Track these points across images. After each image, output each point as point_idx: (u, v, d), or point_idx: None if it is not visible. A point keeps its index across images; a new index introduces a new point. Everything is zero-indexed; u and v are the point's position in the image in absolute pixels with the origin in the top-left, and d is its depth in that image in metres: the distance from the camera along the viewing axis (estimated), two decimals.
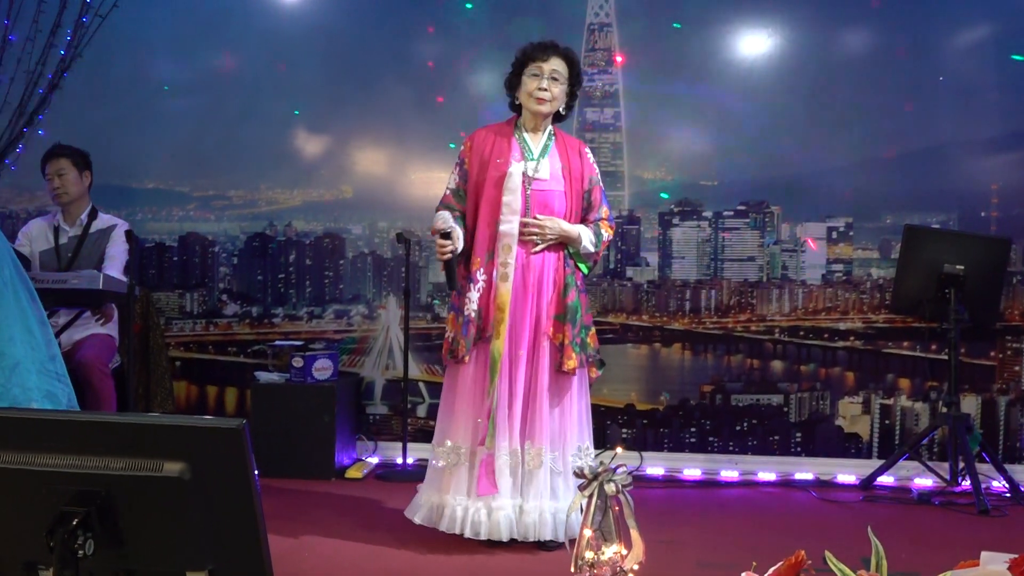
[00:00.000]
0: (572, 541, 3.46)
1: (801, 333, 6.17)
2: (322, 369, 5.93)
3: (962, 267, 5.40)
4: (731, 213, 6.27)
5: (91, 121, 6.52)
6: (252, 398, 5.99)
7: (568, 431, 4.43)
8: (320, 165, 6.65)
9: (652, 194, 6.38)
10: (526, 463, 4.35)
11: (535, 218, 4.35)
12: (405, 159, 6.53)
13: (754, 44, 6.21)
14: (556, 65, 4.43)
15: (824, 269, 6.18)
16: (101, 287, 5.05)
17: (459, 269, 4.47)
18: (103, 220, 5.71)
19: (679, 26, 6.22)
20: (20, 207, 6.72)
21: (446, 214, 4.44)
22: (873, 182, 6.14)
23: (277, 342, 6.39)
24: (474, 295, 4.39)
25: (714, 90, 6.23)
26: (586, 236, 4.44)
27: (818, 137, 6.14)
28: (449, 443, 4.41)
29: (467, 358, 4.38)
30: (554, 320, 4.39)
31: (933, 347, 5.98)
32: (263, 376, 6.03)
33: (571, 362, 4.35)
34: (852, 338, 6.13)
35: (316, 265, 6.63)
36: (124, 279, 5.34)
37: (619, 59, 6.33)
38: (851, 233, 6.18)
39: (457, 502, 4.35)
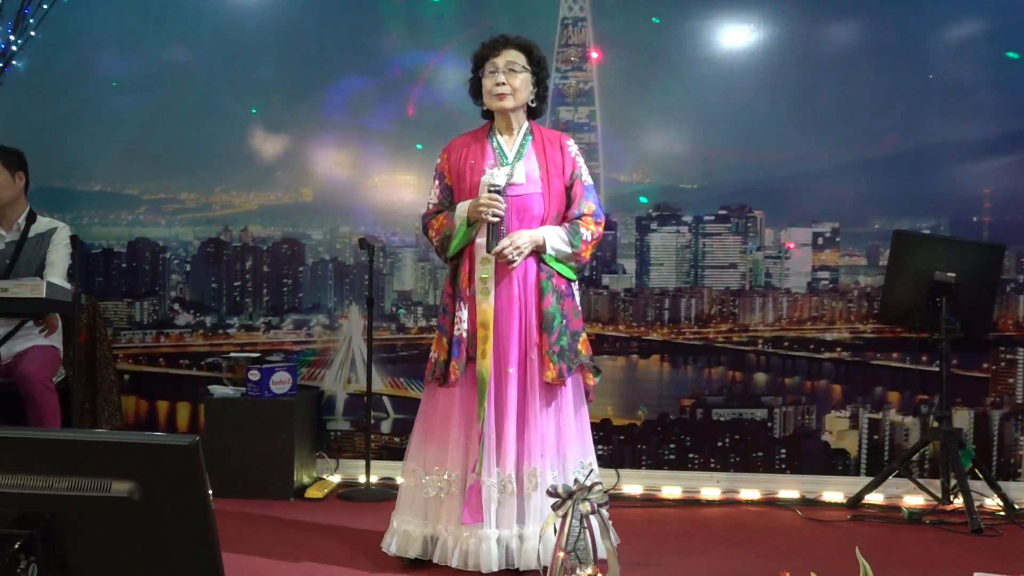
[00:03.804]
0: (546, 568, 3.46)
1: (785, 344, 6.20)
2: (280, 383, 5.91)
3: (953, 275, 5.44)
4: (712, 218, 6.29)
5: (33, 119, 6.49)
6: (206, 413, 5.97)
7: (567, 447, 4.41)
8: (278, 166, 6.63)
9: (629, 198, 6.40)
10: (524, 487, 4.33)
11: (499, 244, 4.31)
12: (368, 161, 6.52)
13: (736, 40, 6.25)
14: (510, 56, 4.44)
15: (809, 277, 6.21)
16: (44, 295, 5.01)
17: (446, 286, 4.50)
18: (42, 223, 5.67)
19: (658, 20, 6.25)
20: None
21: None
22: (861, 185, 6.17)
23: (232, 354, 6.36)
24: (463, 314, 4.38)
25: (694, 88, 6.25)
26: (553, 236, 4.40)
27: (803, 138, 6.17)
28: (437, 470, 4.39)
29: (456, 382, 4.38)
30: (539, 329, 4.39)
31: (924, 358, 6.02)
32: (217, 390, 6.01)
33: (549, 372, 4.33)
34: (839, 349, 6.16)
35: (274, 272, 6.60)
36: (68, 286, 5.30)
37: (594, 55, 6.34)
38: (838, 239, 6.21)
39: (449, 532, 4.33)
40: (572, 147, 4.56)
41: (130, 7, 6.58)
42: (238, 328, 6.58)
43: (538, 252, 4.41)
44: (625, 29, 6.32)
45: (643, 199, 6.35)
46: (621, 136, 6.38)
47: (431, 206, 4.57)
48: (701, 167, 6.32)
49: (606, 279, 6.37)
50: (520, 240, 4.33)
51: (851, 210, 6.21)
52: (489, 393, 4.33)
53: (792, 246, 6.20)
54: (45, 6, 6.37)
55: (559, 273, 4.46)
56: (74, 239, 5.57)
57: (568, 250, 4.44)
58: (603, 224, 4.58)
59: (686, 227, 6.30)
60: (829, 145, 6.17)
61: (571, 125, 6.37)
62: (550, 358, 4.34)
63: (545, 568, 4.24)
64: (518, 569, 4.30)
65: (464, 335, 4.37)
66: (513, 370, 4.35)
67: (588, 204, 4.51)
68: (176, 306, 6.62)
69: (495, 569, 4.26)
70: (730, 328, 6.24)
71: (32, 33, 6.42)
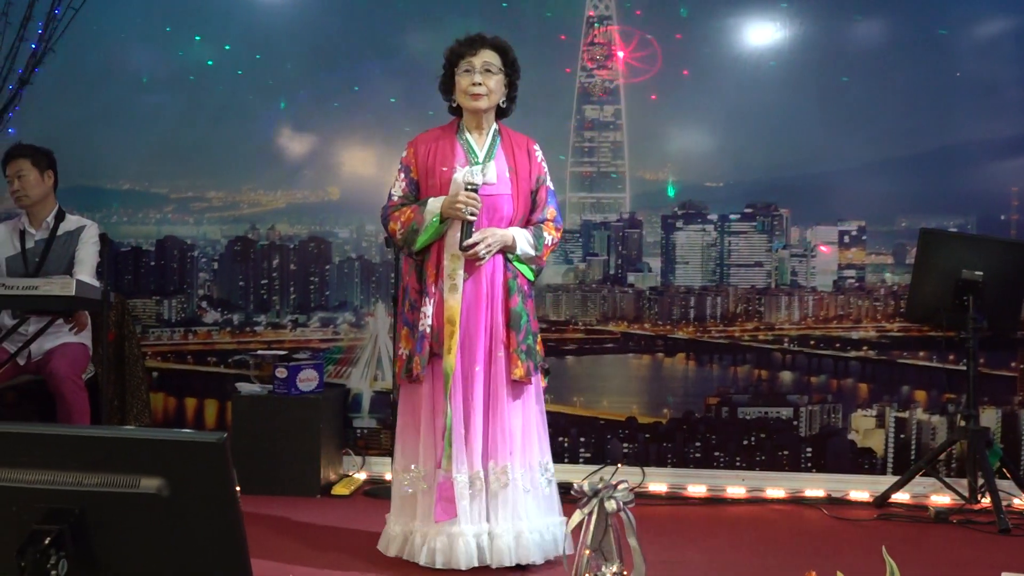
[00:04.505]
0: (570, 558, 3.47)
1: (811, 342, 6.19)
2: (307, 380, 5.93)
3: (981, 273, 5.41)
4: (738, 216, 6.28)
5: (63, 119, 6.53)
6: (233, 411, 6.00)
7: (532, 445, 4.44)
8: (305, 165, 6.66)
9: (654, 196, 6.39)
10: (490, 484, 4.35)
11: (471, 238, 4.31)
12: (394, 159, 6.44)
13: (763, 37, 6.23)
14: (487, 57, 4.45)
15: (836, 275, 6.20)
16: (74, 293, 5.05)
17: (411, 281, 4.49)
18: (71, 222, 5.70)
19: (685, 13, 6.23)
20: None
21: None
22: (887, 183, 6.15)
23: (259, 352, 6.39)
24: (428, 309, 4.39)
25: (720, 86, 6.24)
26: (521, 238, 4.44)
27: (829, 136, 6.15)
28: (413, 467, 4.42)
29: (422, 376, 4.39)
30: (506, 328, 4.41)
31: (951, 357, 6.00)
32: (245, 388, 6.04)
33: (518, 370, 4.36)
34: (865, 348, 6.14)
35: (301, 271, 6.63)
36: (97, 284, 5.34)
37: (620, 54, 6.34)
38: (864, 237, 6.19)
39: (417, 529, 4.36)
40: (538, 152, 4.61)
41: (159, 7, 6.62)
42: (265, 326, 6.61)
43: (505, 252, 4.43)
44: (651, 27, 6.31)
45: (668, 197, 6.33)
46: (647, 134, 6.37)
47: (395, 198, 4.54)
48: (727, 165, 6.31)
49: (631, 277, 6.37)
50: (492, 238, 4.36)
51: (878, 208, 6.19)
52: (456, 388, 4.34)
53: (824, 248, 6.17)
54: (75, 7, 6.41)
55: (522, 274, 4.49)
56: (103, 237, 5.60)
57: (532, 252, 4.48)
58: (562, 231, 4.64)
59: (711, 225, 6.29)
60: (856, 143, 6.15)
61: (596, 123, 6.37)
62: (518, 356, 4.37)
63: (527, 565, 4.33)
64: (489, 566, 4.31)
65: (428, 331, 4.38)
66: (480, 368, 4.37)
67: (550, 209, 4.57)
68: (204, 304, 6.66)
69: (464, 567, 4.26)
70: (756, 327, 6.23)
71: (62, 33, 6.46)
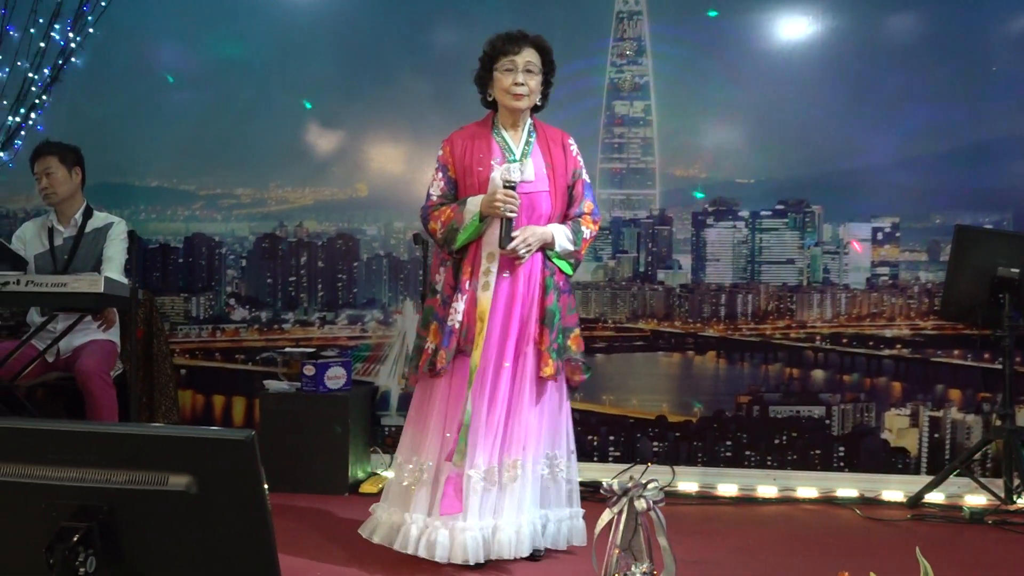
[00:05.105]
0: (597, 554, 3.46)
1: (844, 341, 6.15)
2: (335, 378, 5.94)
3: (1017, 270, 5.37)
4: (769, 213, 6.25)
5: (91, 115, 6.58)
6: (261, 408, 6.02)
7: (553, 440, 4.46)
8: (333, 162, 6.67)
9: (685, 192, 6.37)
10: (502, 478, 4.34)
11: (511, 238, 4.30)
12: (423, 156, 6.52)
13: (794, 32, 6.20)
14: (529, 56, 4.42)
15: (869, 272, 6.16)
16: (102, 290, 5.07)
17: (446, 277, 4.48)
18: (99, 219, 5.73)
19: (715, 14, 6.21)
20: (18, 206, 6.77)
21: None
22: (921, 179, 6.11)
23: (287, 349, 6.41)
24: (460, 305, 4.38)
25: (751, 82, 6.21)
26: (560, 234, 4.43)
27: (862, 131, 6.11)
28: (415, 460, 4.41)
29: (444, 371, 4.38)
30: (539, 325, 4.40)
31: (986, 356, 5.95)
32: (272, 385, 6.05)
33: (548, 368, 4.36)
34: (899, 346, 6.10)
35: (328, 268, 6.65)
36: (125, 281, 5.36)
37: (650, 49, 6.32)
38: (898, 234, 6.15)
39: (413, 520, 4.33)
40: (573, 146, 4.59)
41: (187, 3, 6.65)
42: (293, 323, 6.63)
43: (544, 249, 4.43)
44: (681, 22, 6.29)
45: (699, 194, 6.32)
46: (677, 130, 6.35)
47: (434, 197, 4.52)
48: (758, 161, 6.28)
49: (661, 275, 6.35)
50: (532, 237, 4.35)
51: (911, 204, 6.15)
52: (482, 384, 4.33)
53: (857, 245, 6.13)
54: (103, 3, 6.45)
55: (560, 269, 4.49)
56: (131, 234, 5.63)
57: (571, 248, 4.48)
58: (599, 223, 4.62)
59: (743, 222, 6.26)
60: (889, 138, 6.11)
61: (626, 120, 6.35)
62: (549, 354, 4.37)
63: (537, 554, 4.34)
64: (488, 560, 4.30)
65: (457, 326, 4.37)
66: (509, 364, 4.36)
67: (587, 203, 4.56)
68: (232, 301, 6.68)
69: (472, 562, 4.25)
70: (787, 324, 6.20)
71: (90, 30, 6.51)
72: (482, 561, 4.27)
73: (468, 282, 4.40)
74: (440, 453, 4.37)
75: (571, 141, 4.59)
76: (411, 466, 4.42)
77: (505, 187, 4.28)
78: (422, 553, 4.28)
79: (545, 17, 5.99)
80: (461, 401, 4.35)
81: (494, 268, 4.38)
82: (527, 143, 4.48)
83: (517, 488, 4.34)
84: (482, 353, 4.35)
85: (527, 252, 4.35)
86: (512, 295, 4.38)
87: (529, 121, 4.53)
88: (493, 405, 4.35)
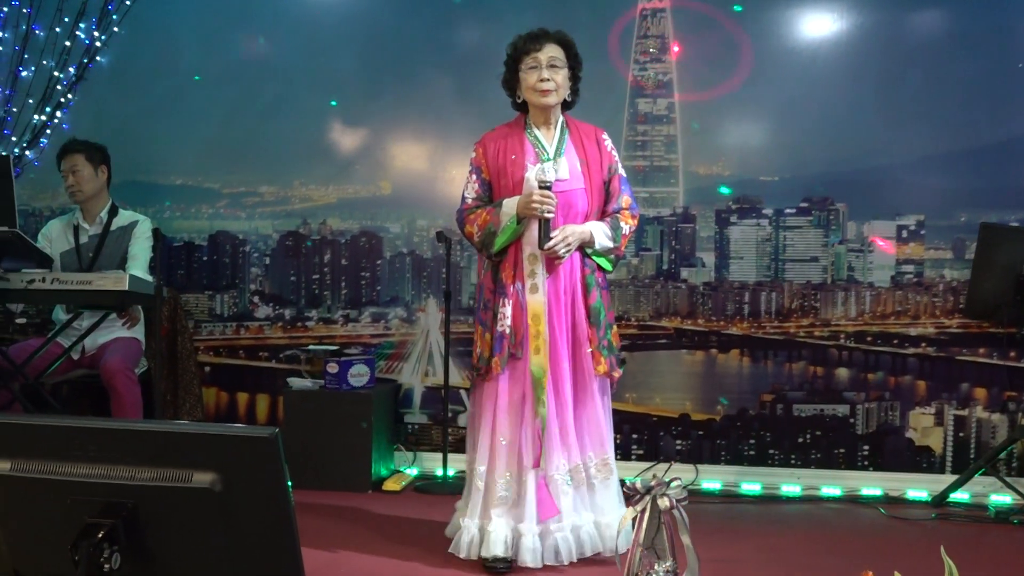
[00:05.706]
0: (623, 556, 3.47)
1: (868, 339, 6.13)
2: (358, 375, 5.96)
3: None
4: (793, 211, 6.23)
5: (116, 114, 6.61)
6: (284, 405, 6.04)
7: (609, 439, 4.49)
8: (356, 160, 6.69)
9: (708, 190, 6.36)
10: (591, 476, 4.39)
11: (550, 238, 4.29)
12: (446, 154, 6.55)
13: (819, 29, 6.17)
14: (552, 52, 4.40)
15: (893, 271, 6.13)
16: (127, 288, 5.10)
17: (485, 280, 4.48)
18: (124, 217, 5.76)
19: (740, 9, 6.19)
20: (44, 204, 6.81)
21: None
22: (946, 177, 6.08)
23: (311, 347, 6.44)
24: (507, 310, 4.37)
25: (775, 79, 6.19)
26: (599, 232, 4.41)
27: (887, 129, 6.09)
28: (485, 466, 4.40)
29: (500, 376, 4.38)
30: (587, 323, 4.40)
31: (1011, 354, 5.91)
32: (296, 382, 6.07)
33: (601, 366, 4.38)
34: (924, 344, 6.08)
35: (352, 265, 6.66)
36: (150, 279, 5.39)
37: (674, 47, 6.31)
38: (923, 232, 6.12)
39: (498, 527, 4.32)
40: (608, 141, 4.57)
41: (211, 2, 6.68)
42: (317, 321, 6.65)
43: (583, 247, 4.41)
44: (705, 20, 6.27)
45: (723, 191, 6.30)
46: (700, 128, 6.34)
47: (469, 200, 4.51)
48: (782, 159, 6.26)
49: (685, 272, 6.34)
50: (571, 236, 4.34)
51: (936, 202, 6.11)
52: (550, 388, 4.34)
53: (882, 243, 6.11)
54: (128, 2, 6.48)
55: (599, 266, 4.48)
56: (156, 232, 5.65)
57: (611, 244, 4.45)
58: (638, 218, 4.60)
59: (766, 220, 6.25)
60: (914, 136, 6.08)
61: (650, 117, 6.34)
62: (600, 352, 4.38)
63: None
64: (582, 557, 4.34)
65: (507, 331, 4.36)
66: (566, 364, 4.37)
67: (625, 198, 4.54)
68: (256, 299, 6.71)
69: (565, 562, 4.28)
70: (811, 323, 6.18)
71: (115, 29, 6.54)
72: (575, 560, 4.31)
73: (511, 285, 4.39)
74: (519, 461, 4.36)
75: (605, 136, 4.57)
76: (489, 470, 4.40)
77: (541, 187, 4.27)
78: (529, 562, 4.27)
79: (569, 14, 5.98)
80: (526, 406, 4.35)
81: (539, 269, 4.36)
82: (560, 141, 4.46)
83: (613, 483, 4.44)
84: (548, 355, 4.34)
85: (567, 251, 4.34)
86: (556, 294, 4.38)
87: (561, 118, 4.51)
88: (563, 406, 4.36)
